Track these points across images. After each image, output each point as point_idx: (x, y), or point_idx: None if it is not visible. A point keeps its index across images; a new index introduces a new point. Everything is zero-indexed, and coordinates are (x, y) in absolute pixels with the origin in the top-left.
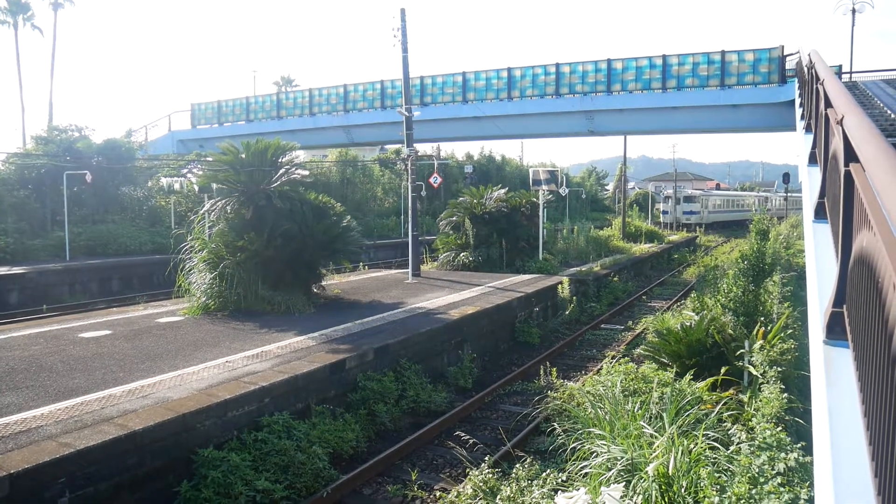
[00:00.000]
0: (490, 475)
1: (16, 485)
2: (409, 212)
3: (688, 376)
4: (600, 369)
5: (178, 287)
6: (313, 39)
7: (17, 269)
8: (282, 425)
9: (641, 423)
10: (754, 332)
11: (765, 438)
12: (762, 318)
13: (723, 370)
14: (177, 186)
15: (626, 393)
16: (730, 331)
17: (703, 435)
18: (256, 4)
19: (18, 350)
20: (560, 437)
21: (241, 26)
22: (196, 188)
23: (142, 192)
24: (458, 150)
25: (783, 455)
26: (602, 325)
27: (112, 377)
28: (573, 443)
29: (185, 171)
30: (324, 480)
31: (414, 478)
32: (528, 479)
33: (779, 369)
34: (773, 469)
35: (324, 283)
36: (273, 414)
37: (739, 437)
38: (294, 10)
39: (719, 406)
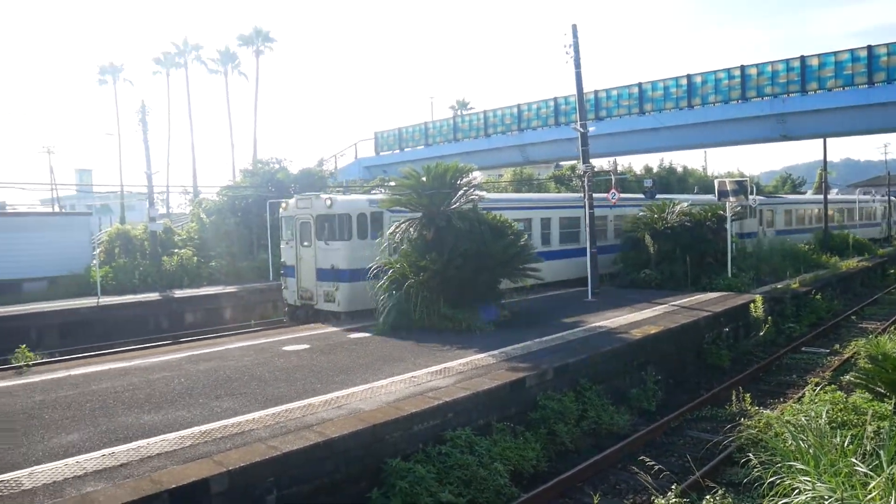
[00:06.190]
0: None
1: (233, 480)
2: (587, 228)
3: None
4: (802, 397)
5: None
6: (487, 62)
7: (229, 289)
8: (464, 440)
9: (852, 459)
10: None
11: None
12: None
13: None
14: None
15: (834, 425)
16: None
17: None
18: (432, 33)
19: (233, 361)
20: (756, 470)
21: (418, 55)
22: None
23: None
24: (635, 164)
25: None
26: (803, 348)
27: (311, 387)
28: (771, 476)
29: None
30: (505, 497)
31: (596, 501)
32: None
33: None
34: None
35: (502, 301)
36: (456, 429)
37: None
38: (468, 35)
39: None
